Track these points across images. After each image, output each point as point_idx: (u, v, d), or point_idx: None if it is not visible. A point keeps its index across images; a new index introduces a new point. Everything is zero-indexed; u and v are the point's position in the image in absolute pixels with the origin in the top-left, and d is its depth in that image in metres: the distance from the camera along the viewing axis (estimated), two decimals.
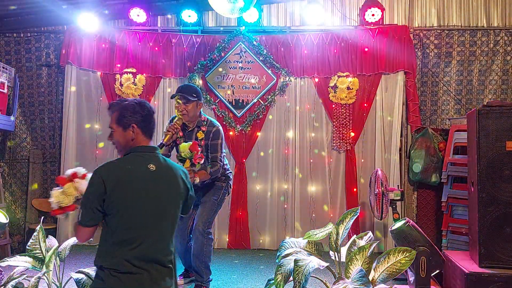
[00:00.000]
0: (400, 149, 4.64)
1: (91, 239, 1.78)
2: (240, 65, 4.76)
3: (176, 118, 3.14)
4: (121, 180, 1.71)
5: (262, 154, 4.73)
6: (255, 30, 4.79)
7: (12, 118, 4.40)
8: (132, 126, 1.80)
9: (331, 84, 4.64)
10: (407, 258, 2.24)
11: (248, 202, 4.70)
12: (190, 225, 3.32)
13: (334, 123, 4.66)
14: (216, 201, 3.24)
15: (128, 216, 1.71)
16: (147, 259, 1.70)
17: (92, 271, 2.26)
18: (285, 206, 4.69)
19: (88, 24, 4.58)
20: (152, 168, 1.77)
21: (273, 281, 2.32)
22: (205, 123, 3.22)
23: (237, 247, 4.61)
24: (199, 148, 3.05)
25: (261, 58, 4.72)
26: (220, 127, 3.26)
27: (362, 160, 4.68)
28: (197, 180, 2.96)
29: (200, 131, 3.19)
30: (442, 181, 4.26)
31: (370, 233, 2.70)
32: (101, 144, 4.80)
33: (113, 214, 1.69)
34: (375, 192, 3.62)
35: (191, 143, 3.00)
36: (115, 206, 1.69)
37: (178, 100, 3.09)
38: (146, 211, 1.73)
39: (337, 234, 2.52)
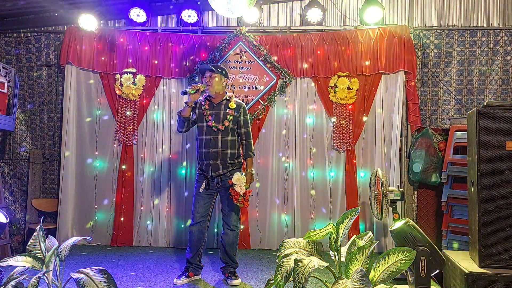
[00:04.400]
0: (400, 149, 4.64)
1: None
2: (240, 65, 4.76)
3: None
4: None
5: (262, 154, 4.73)
6: (255, 30, 4.80)
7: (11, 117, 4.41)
8: None
9: (331, 84, 4.64)
10: (407, 258, 2.24)
11: (248, 203, 4.68)
12: (210, 212, 3.51)
13: (334, 123, 4.66)
14: None
15: None
16: None
17: (92, 271, 2.26)
18: (285, 206, 4.69)
19: (88, 24, 4.58)
20: None
21: (273, 281, 2.32)
22: (232, 99, 3.49)
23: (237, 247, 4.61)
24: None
25: (261, 58, 4.72)
26: None
27: (362, 160, 4.68)
28: (254, 172, 3.54)
29: (231, 103, 3.44)
30: (442, 181, 4.27)
31: (370, 233, 2.69)
32: (101, 144, 4.80)
33: None
34: (375, 192, 3.62)
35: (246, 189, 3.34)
36: None
37: (206, 74, 3.39)
38: None
39: (337, 234, 2.52)
